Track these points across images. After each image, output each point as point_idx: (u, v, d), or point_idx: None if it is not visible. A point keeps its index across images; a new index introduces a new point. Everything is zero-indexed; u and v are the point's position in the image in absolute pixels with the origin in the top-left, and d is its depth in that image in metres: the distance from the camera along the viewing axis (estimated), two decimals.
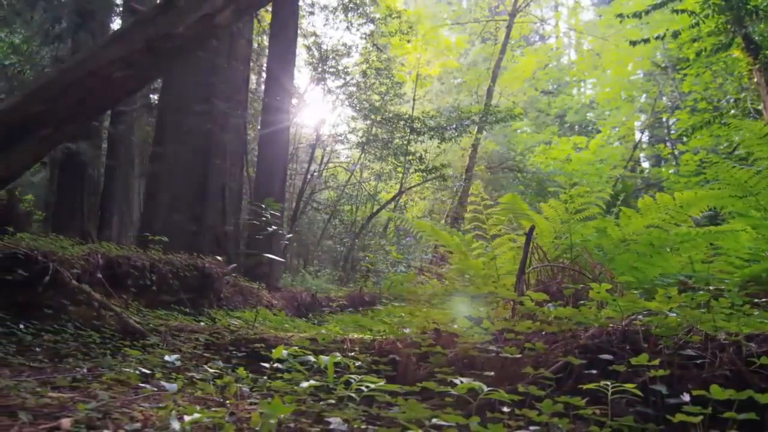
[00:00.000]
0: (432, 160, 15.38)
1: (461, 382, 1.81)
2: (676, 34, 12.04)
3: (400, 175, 16.88)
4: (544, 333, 2.44)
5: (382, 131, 14.79)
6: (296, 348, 2.36)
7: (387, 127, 14.46)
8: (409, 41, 15.87)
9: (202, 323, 4.58)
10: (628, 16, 12.38)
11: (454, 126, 14.35)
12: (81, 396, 2.49)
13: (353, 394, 1.93)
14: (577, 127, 27.10)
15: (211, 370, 2.58)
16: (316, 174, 16.62)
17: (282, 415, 1.82)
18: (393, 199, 17.92)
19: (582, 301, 2.58)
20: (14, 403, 2.24)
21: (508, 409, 1.80)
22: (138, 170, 18.36)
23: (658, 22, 16.57)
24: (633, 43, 12.64)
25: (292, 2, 13.05)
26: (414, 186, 18.58)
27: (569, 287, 2.71)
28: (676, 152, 20.35)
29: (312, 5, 15.63)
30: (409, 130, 14.25)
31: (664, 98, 22.21)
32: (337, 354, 2.20)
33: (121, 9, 17.51)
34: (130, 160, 17.79)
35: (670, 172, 18.67)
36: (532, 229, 3.28)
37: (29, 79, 15.77)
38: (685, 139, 14.86)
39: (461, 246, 4.53)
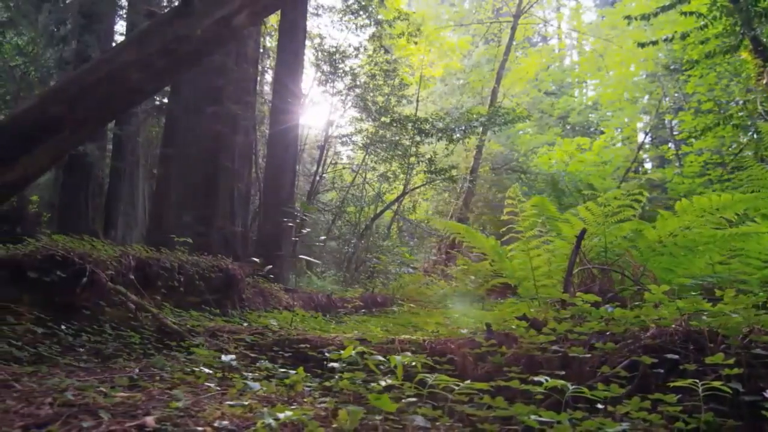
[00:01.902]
0: (441, 162, 15.45)
1: (546, 380, 1.86)
2: (684, 36, 12.09)
3: (404, 176, 16.96)
4: (608, 333, 2.50)
5: (391, 133, 14.85)
6: (364, 348, 2.41)
7: (395, 128, 14.53)
8: (416, 43, 15.94)
9: (236, 324, 4.62)
10: (636, 18, 12.42)
11: (462, 128, 14.41)
12: (146, 395, 2.53)
13: (447, 394, 1.98)
14: (578, 127, 27.18)
15: (282, 370, 2.63)
16: (324, 175, 16.67)
17: (364, 413, 1.87)
18: (397, 199, 17.98)
19: (637, 302, 2.63)
20: (89, 402, 2.28)
21: (602, 406, 1.85)
22: (143, 171, 18.41)
23: (662, 24, 16.63)
24: (641, 45, 12.69)
25: (301, 4, 13.10)
26: (419, 187, 18.66)
27: (628, 289, 2.77)
28: (680, 153, 20.42)
29: (317, 8, 15.67)
30: (416, 132, 14.30)
31: (667, 99, 22.29)
32: (409, 353, 2.25)
33: (125, 11, 17.53)
34: (136, 161, 17.82)
35: (674, 173, 18.71)
36: (583, 232, 3.33)
37: (34, 80, 15.81)
38: (693, 140, 14.91)
39: (497, 248, 4.58)
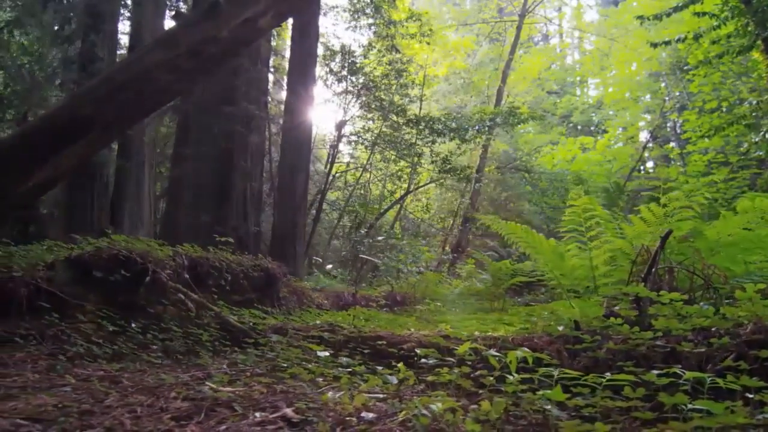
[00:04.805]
0: (453, 161, 15.56)
1: (684, 372, 1.96)
2: (697, 36, 12.23)
3: (413, 174, 17.11)
4: (713, 329, 2.61)
5: (400, 132, 14.96)
6: (471, 344, 2.49)
7: (409, 127, 14.65)
8: (428, 43, 16.02)
9: (298, 322, 4.69)
10: (649, 18, 12.55)
11: (476, 127, 14.51)
12: (264, 389, 2.60)
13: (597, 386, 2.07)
14: (580, 126, 27.36)
15: (381, 368, 2.71)
16: (337, 175, 16.76)
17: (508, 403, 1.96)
18: (401, 198, 18.11)
19: (728, 300, 2.73)
20: (215, 396, 2.36)
21: (751, 395, 1.95)
22: (149, 171, 18.41)
23: (666, 23, 16.78)
24: (654, 45, 12.82)
25: (315, 4, 13.16)
26: (424, 185, 18.78)
27: (723, 287, 2.87)
28: (684, 152, 20.61)
29: (321, 6, 15.68)
30: (429, 131, 14.41)
31: (670, 99, 22.47)
32: (526, 348, 2.34)
33: (129, 11, 17.53)
34: (142, 160, 17.82)
35: (679, 172, 18.89)
36: (669, 232, 3.43)
37: (42, 79, 15.79)
38: (706, 139, 15.06)
39: (557, 248, 4.68)
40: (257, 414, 2.03)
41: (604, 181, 19.56)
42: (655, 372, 2.08)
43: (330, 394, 2.25)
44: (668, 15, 12.15)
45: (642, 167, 23.37)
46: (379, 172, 18.29)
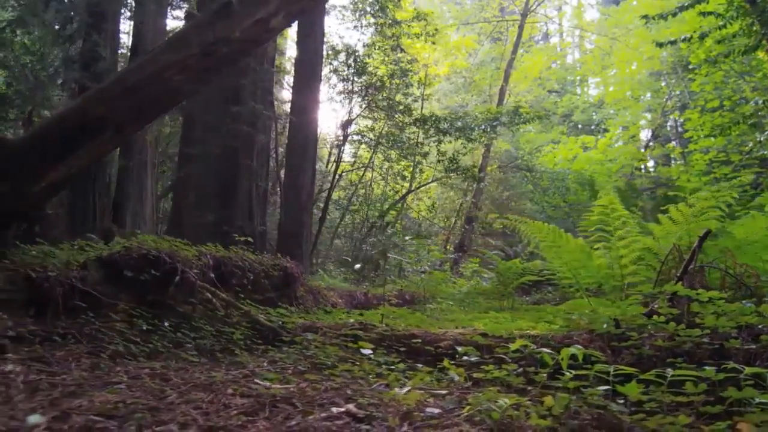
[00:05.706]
0: (461, 161, 15.63)
1: (743, 368, 2.01)
2: (703, 36, 12.28)
3: (416, 173, 17.18)
4: (760, 326, 2.66)
5: (407, 132, 15.03)
6: (522, 341, 2.54)
7: (413, 127, 14.72)
8: (433, 42, 16.06)
9: (328, 321, 4.73)
10: (653, 18, 12.60)
11: (482, 127, 14.58)
12: (321, 386, 2.64)
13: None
14: (581, 125, 27.41)
15: (420, 366, 2.75)
16: (343, 174, 16.80)
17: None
18: (404, 197, 18.16)
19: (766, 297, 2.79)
20: (271, 393, 2.40)
21: None
22: (151, 170, 18.39)
23: (669, 23, 16.83)
24: (659, 45, 12.87)
25: (321, 5, 13.19)
26: (427, 183, 18.82)
27: (765, 285, 2.93)
28: (685, 151, 20.68)
29: (326, 5, 15.70)
30: (436, 131, 14.47)
31: (671, 98, 22.54)
32: (579, 346, 2.39)
33: (131, 11, 17.51)
34: (144, 159, 17.81)
35: (680, 171, 18.95)
36: (708, 232, 3.48)
37: (45, 79, 15.76)
38: (712, 139, 15.12)
39: (585, 248, 4.73)
40: (333, 409, 2.07)
41: (605, 180, 19.63)
42: (714, 368, 2.13)
43: (396, 390, 2.29)
44: (674, 15, 12.19)
45: (642, 166, 23.44)
46: (383, 171, 18.35)
